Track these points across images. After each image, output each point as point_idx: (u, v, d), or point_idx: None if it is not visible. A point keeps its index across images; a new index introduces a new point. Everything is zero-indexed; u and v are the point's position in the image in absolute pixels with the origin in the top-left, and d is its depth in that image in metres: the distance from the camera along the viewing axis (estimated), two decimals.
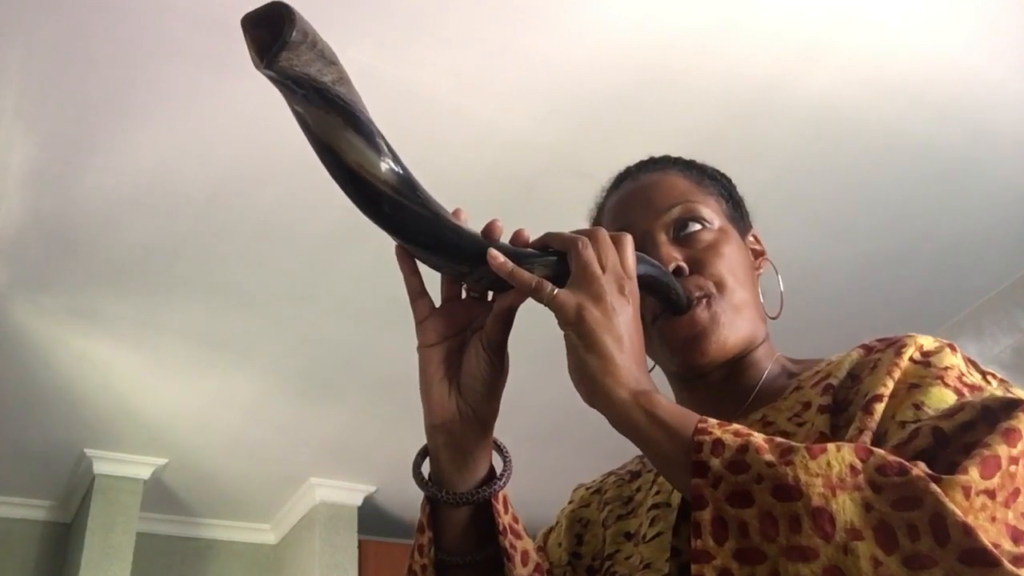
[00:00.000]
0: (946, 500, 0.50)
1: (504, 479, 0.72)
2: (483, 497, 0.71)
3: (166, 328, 2.87)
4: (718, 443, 0.56)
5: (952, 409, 0.59)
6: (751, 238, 0.89)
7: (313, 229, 2.51)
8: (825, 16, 2.04)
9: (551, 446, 3.59)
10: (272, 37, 0.59)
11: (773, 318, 0.85)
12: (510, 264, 0.65)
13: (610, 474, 0.92)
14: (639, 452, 0.87)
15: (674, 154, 0.92)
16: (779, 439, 0.57)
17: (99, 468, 3.55)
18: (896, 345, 0.71)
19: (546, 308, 0.65)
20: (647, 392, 0.62)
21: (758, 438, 0.57)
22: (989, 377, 0.69)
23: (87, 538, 3.42)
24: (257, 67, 0.59)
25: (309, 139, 0.62)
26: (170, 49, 1.96)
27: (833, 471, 0.53)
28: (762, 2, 2.00)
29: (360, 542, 3.90)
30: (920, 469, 0.53)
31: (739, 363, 0.80)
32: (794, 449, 0.55)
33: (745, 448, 0.56)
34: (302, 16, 0.59)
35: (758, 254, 0.89)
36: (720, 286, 0.79)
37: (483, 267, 0.66)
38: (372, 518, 4.02)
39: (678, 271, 0.78)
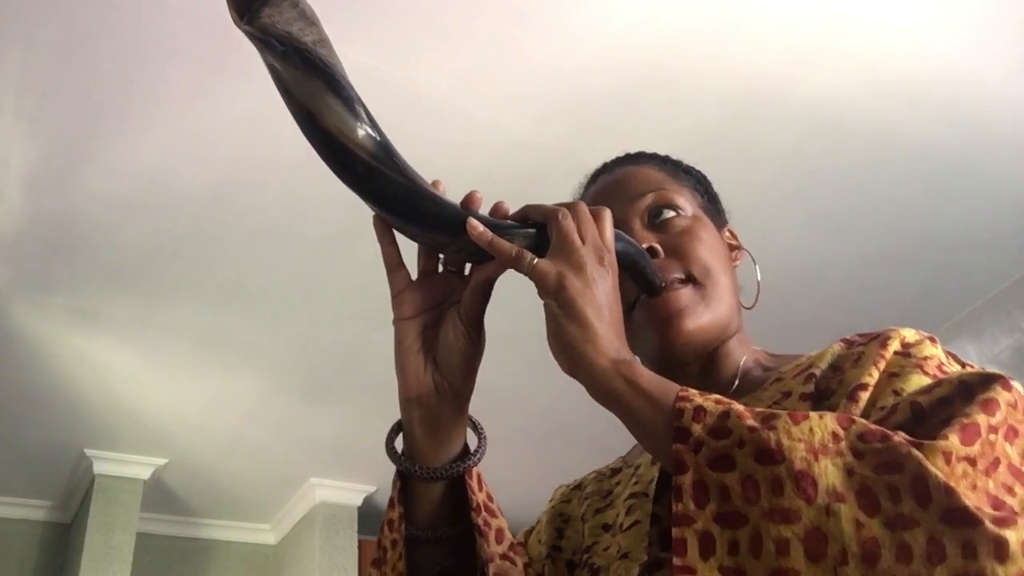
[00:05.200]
0: (928, 463, 0.50)
1: (479, 455, 0.72)
2: (457, 472, 0.70)
3: (166, 328, 2.87)
4: (699, 409, 0.57)
5: (930, 385, 0.60)
6: (727, 233, 0.89)
7: (313, 229, 2.51)
8: (825, 17, 2.04)
9: (550, 444, 3.59)
10: None
11: (748, 308, 0.84)
12: (489, 234, 0.65)
13: (592, 472, 0.92)
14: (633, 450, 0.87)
15: (673, 155, 0.92)
16: (759, 408, 0.57)
17: (99, 468, 3.55)
18: (880, 338, 0.71)
19: (542, 304, 0.65)
20: (627, 361, 0.62)
21: (739, 406, 0.57)
22: (968, 368, 0.69)
23: (87, 538, 3.42)
24: (236, 24, 0.58)
25: (286, 101, 0.61)
26: (170, 49, 1.96)
27: (815, 437, 0.53)
28: (762, 2, 2.00)
29: (360, 542, 3.90)
30: (901, 436, 0.53)
31: (715, 353, 0.80)
32: (776, 415, 0.55)
33: (727, 414, 0.56)
34: None
35: (734, 248, 0.89)
36: (698, 269, 0.78)
37: (462, 237, 0.65)
38: (372, 518, 4.02)
39: (652, 252, 0.78)
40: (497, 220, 0.67)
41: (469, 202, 0.67)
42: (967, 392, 0.57)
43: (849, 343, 0.75)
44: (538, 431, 3.50)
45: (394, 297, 0.71)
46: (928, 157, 2.46)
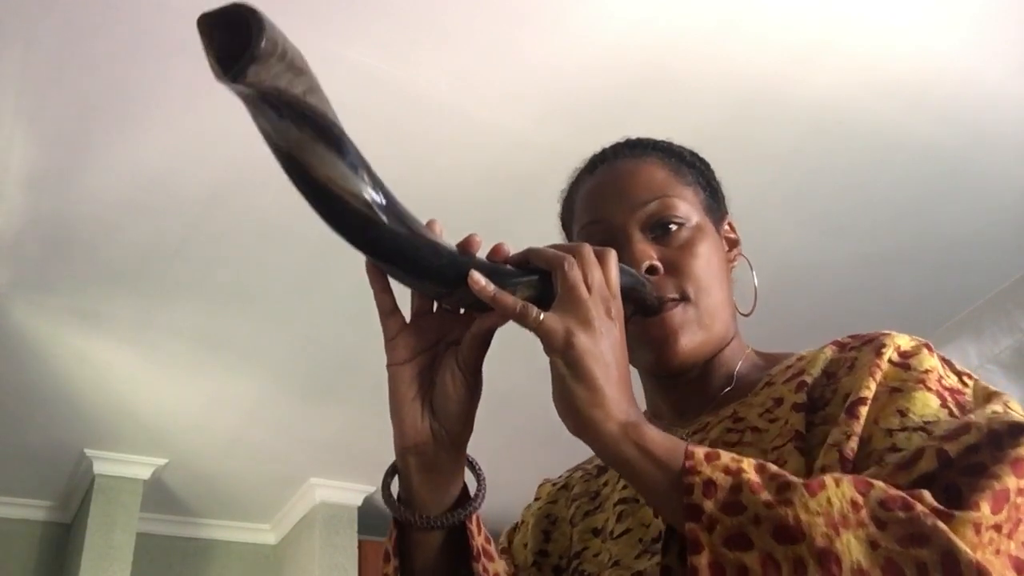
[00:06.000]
0: (955, 537, 0.49)
1: (479, 500, 0.69)
2: (458, 520, 0.68)
3: (166, 328, 2.87)
4: (709, 483, 0.55)
5: (956, 430, 0.58)
6: (727, 226, 0.87)
7: (313, 229, 2.49)
8: (825, 17, 2.04)
9: (550, 444, 3.59)
10: (233, 41, 0.53)
11: (746, 315, 0.83)
12: (492, 287, 0.62)
13: (577, 469, 0.90)
14: None
15: None
16: (771, 470, 0.56)
17: (99, 468, 3.55)
18: (874, 344, 0.70)
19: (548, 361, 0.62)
20: (636, 424, 0.60)
21: (750, 473, 0.55)
22: (964, 378, 0.68)
23: (87, 538, 3.43)
24: (219, 79, 0.54)
25: (274, 152, 0.58)
26: (170, 49, 1.96)
27: (834, 508, 0.51)
28: (762, 2, 2.00)
29: (360, 542, 3.91)
30: (926, 504, 0.52)
31: (710, 362, 0.79)
32: (791, 486, 0.53)
33: (739, 488, 0.54)
34: (270, 20, 0.53)
35: (733, 243, 0.87)
36: (694, 287, 0.77)
37: (462, 289, 0.62)
38: (372, 518, 4.02)
39: (652, 270, 0.76)
40: (498, 266, 0.64)
41: (467, 245, 0.64)
42: (996, 443, 0.55)
43: (841, 346, 0.74)
44: (538, 431, 3.50)
45: (388, 342, 0.67)
46: (928, 157, 2.46)
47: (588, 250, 0.64)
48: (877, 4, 2.03)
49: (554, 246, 0.66)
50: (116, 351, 2.97)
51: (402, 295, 0.68)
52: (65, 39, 1.92)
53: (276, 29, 0.54)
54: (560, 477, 0.92)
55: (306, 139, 0.57)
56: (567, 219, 0.89)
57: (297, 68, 0.55)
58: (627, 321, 0.73)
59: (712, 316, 0.77)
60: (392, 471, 0.70)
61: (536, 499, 0.91)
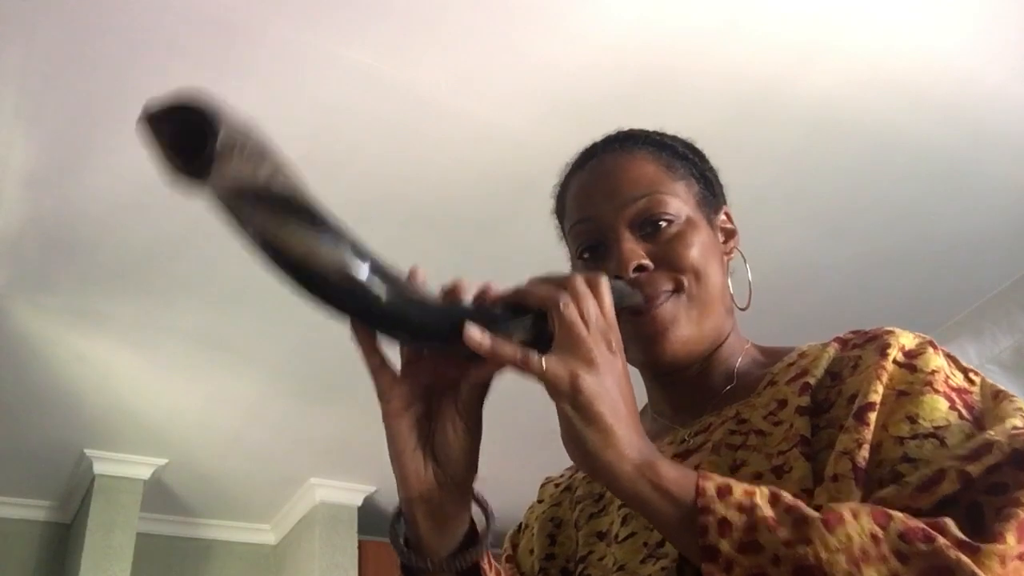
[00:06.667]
0: (980, 571, 0.49)
1: (489, 537, 0.68)
2: (469, 562, 0.66)
3: (166, 328, 2.87)
4: (724, 523, 0.54)
5: (978, 450, 0.57)
6: (723, 216, 0.85)
7: None
8: (825, 16, 2.04)
9: (550, 445, 3.59)
10: (185, 132, 0.51)
11: (743, 309, 0.82)
12: (488, 340, 0.59)
13: (580, 471, 0.89)
14: None
15: None
16: (786, 501, 0.55)
17: (99, 468, 3.55)
18: (878, 343, 0.69)
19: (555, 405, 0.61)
20: (650, 462, 0.59)
21: (765, 508, 0.54)
22: (971, 375, 0.67)
23: (87, 538, 3.42)
24: (175, 179, 0.53)
25: (247, 240, 0.56)
26: (170, 49, 1.96)
27: (854, 543, 0.51)
28: (762, 3, 2.00)
29: (360, 542, 3.91)
30: (949, 536, 0.51)
31: (709, 359, 0.78)
32: (808, 521, 0.53)
33: (754, 527, 0.53)
34: (223, 109, 0.50)
35: (730, 234, 0.85)
36: (687, 276, 0.76)
37: (457, 343, 0.59)
38: (372, 518, 4.02)
39: (641, 269, 0.75)
40: (489, 311, 0.62)
41: (455, 293, 0.62)
42: (1018, 462, 0.55)
43: (844, 343, 0.73)
44: (538, 431, 3.50)
45: (381, 395, 0.66)
46: (928, 157, 2.46)
47: (580, 282, 0.63)
48: (877, 4, 2.03)
49: (543, 279, 0.64)
50: (116, 351, 2.97)
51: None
52: (65, 39, 1.92)
53: (231, 117, 0.51)
54: (562, 476, 0.91)
55: (279, 221, 0.55)
56: (560, 214, 0.89)
57: (259, 153, 0.53)
58: (619, 321, 0.72)
59: (706, 306, 0.76)
60: (397, 515, 0.69)
61: (539, 501, 0.90)
